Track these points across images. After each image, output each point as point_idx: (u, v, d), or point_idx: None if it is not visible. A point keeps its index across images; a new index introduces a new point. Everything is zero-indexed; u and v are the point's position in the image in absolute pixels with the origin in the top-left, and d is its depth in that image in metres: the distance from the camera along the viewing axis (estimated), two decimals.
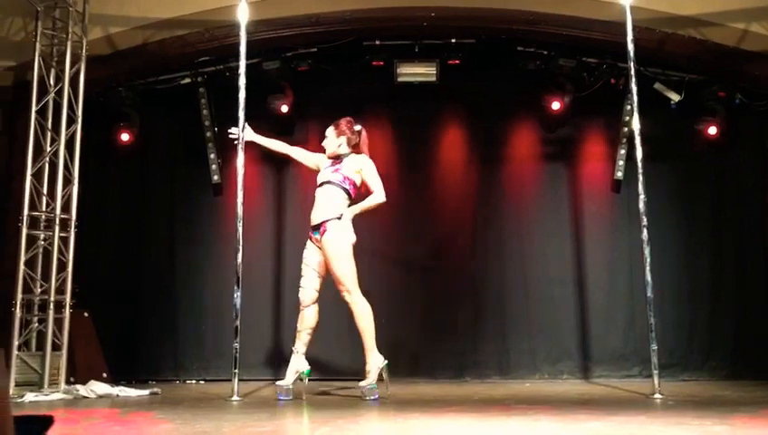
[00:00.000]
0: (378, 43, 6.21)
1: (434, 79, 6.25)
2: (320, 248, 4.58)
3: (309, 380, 4.64)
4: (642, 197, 4.73)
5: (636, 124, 4.86)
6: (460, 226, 6.50)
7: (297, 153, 4.97)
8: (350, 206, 4.62)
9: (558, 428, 3.21)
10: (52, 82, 5.37)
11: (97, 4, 5.57)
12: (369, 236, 6.15)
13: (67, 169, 5.32)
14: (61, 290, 5.20)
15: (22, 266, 5.10)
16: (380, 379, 4.50)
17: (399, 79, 6.27)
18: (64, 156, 5.29)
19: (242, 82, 4.82)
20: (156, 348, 6.29)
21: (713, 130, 6.29)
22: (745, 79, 6.04)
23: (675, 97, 6.22)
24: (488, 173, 6.58)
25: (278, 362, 6.02)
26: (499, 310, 6.33)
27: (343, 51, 6.20)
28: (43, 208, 5.30)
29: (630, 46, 4.87)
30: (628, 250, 6.21)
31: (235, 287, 4.64)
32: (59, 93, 5.34)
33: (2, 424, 0.85)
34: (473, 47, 6.25)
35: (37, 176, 5.29)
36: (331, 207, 4.58)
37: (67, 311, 5.19)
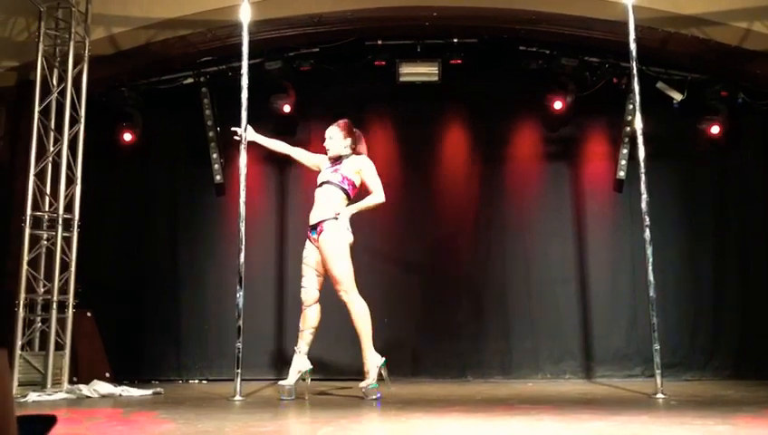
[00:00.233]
0: (380, 42, 6.21)
1: (436, 79, 6.25)
2: (318, 248, 4.59)
3: (311, 379, 4.65)
4: (644, 196, 4.72)
5: (638, 123, 4.86)
6: (462, 225, 6.50)
7: (298, 154, 4.98)
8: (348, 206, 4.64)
9: (561, 427, 3.21)
10: (54, 82, 5.38)
11: (100, 4, 5.58)
12: (372, 236, 6.18)
13: (70, 168, 5.33)
14: (64, 290, 5.20)
15: (25, 266, 5.12)
16: (380, 378, 4.50)
17: (401, 79, 6.27)
18: (67, 156, 5.30)
19: (244, 82, 4.82)
20: (158, 348, 6.30)
21: (715, 130, 6.28)
22: (748, 78, 6.03)
23: (677, 96, 6.21)
24: (490, 173, 6.57)
25: (280, 361, 6.03)
26: (501, 309, 6.33)
27: (345, 51, 6.20)
28: (46, 208, 5.31)
29: (633, 45, 4.86)
30: (630, 250, 6.20)
31: (238, 287, 4.64)
32: (62, 93, 5.35)
33: (5, 424, 0.85)
34: (475, 47, 6.24)
35: (40, 176, 5.30)
36: (329, 207, 4.59)
37: (70, 311, 5.19)
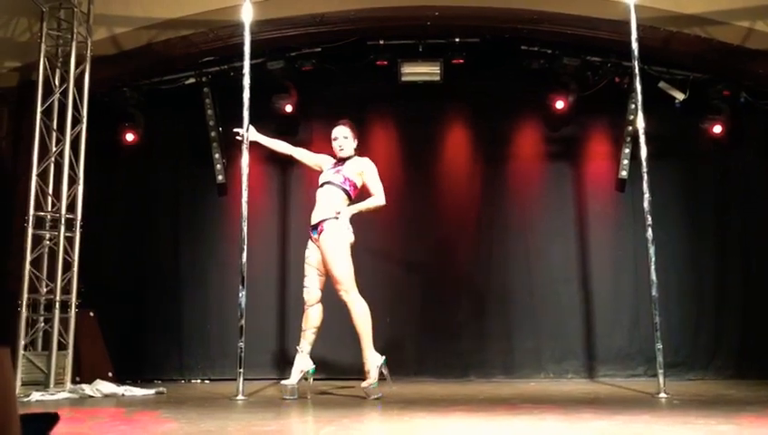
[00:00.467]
0: (381, 42, 6.21)
1: (438, 78, 6.25)
2: (319, 247, 4.59)
3: (314, 379, 4.65)
4: (647, 196, 4.72)
5: (640, 123, 4.85)
6: (464, 225, 6.50)
7: (300, 154, 4.98)
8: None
9: (563, 427, 3.20)
10: (57, 82, 5.39)
11: (101, 4, 5.59)
12: (374, 236, 6.18)
13: (72, 169, 5.34)
14: (66, 290, 5.21)
15: (27, 266, 5.12)
16: (382, 377, 4.50)
17: (403, 78, 6.27)
18: (69, 156, 5.31)
19: (246, 81, 4.83)
20: (161, 347, 6.31)
21: (718, 129, 6.27)
22: (750, 77, 6.02)
23: (679, 96, 6.20)
24: (492, 172, 6.57)
25: (283, 361, 6.03)
26: (504, 309, 6.33)
27: (347, 50, 6.20)
28: (49, 208, 5.31)
29: (635, 45, 4.86)
30: (632, 249, 6.20)
31: (240, 287, 4.64)
32: (64, 94, 5.36)
33: (8, 422, 0.86)
34: (477, 46, 6.24)
35: (42, 176, 5.31)
36: (330, 207, 4.60)
37: (73, 310, 5.20)
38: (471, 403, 4.26)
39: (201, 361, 6.31)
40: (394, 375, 4.66)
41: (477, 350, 6.24)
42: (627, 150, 6.32)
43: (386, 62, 6.28)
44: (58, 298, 5.14)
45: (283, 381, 4.65)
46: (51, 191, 5.33)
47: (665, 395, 4.43)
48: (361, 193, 4.76)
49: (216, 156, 6.47)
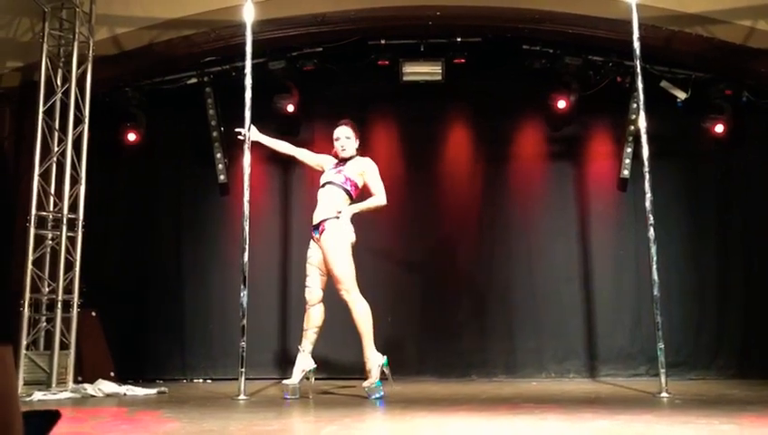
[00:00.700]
0: (383, 42, 6.21)
1: (439, 78, 6.25)
2: (320, 247, 4.60)
3: (315, 378, 4.65)
4: (648, 195, 4.71)
5: (642, 122, 4.85)
6: (466, 224, 6.50)
7: (302, 154, 4.99)
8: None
9: (565, 426, 3.20)
10: (59, 82, 5.40)
11: (103, 4, 5.59)
12: (375, 235, 6.18)
13: (74, 169, 5.34)
14: (68, 289, 5.22)
15: (30, 266, 5.14)
16: (383, 377, 4.50)
17: (405, 78, 6.27)
18: (71, 156, 5.32)
19: (248, 81, 4.83)
20: (163, 347, 6.31)
21: (719, 128, 6.26)
22: (752, 76, 6.01)
23: (681, 95, 6.19)
24: (494, 172, 6.57)
25: (284, 360, 6.04)
26: (505, 309, 6.33)
27: (349, 50, 6.20)
28: (51, 208, 5.33)
29: (636, 44, 4.85)
30: (634, 248, 6.19)
31: (242, 286, 4.65)
32: (66, 94, 5.36)
33: (11, 420, 0.86)
34: (478, 46, 6.24)
35: (45, 176, 5.32)
36: (331, 207, 4.61)
37: (75, 310, 5.21)
38: (472, 403, 4.27)
39: (203, 360, 6.32)
40: (395, 375, 4.67)
41: (479, 349, 6.24)
42: (628, 150, 6.32)
43: (387, 62, 6.28)
44: (60, 298, 5.15)
45: (284, 381, 4.66)
46: (53, 191, 5.34)
47: (666, 395, 4.42)
48: (363, 193, 4.76)
49: (218, 156, 6.47)
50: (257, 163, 5.84)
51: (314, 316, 4.59)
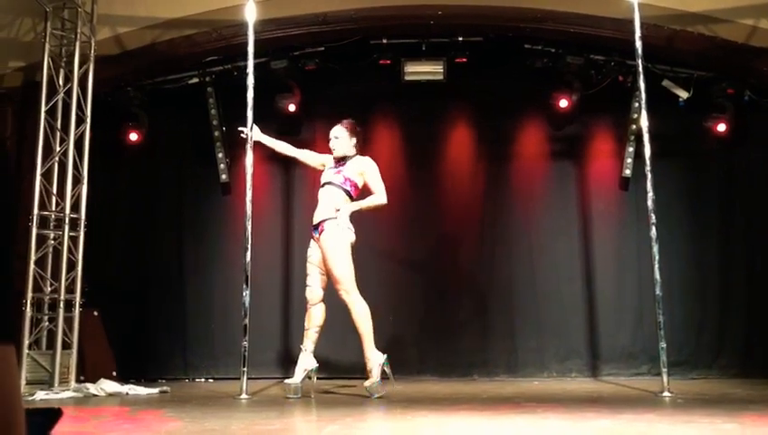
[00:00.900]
0: (385, 41, 6.21)
1: (441, 77, 6.25)
2: (320, 247, 4.60)
3: (317, 378, 4.65)
4: (650, 194, 4.71)
5: (644, 121, 4.84)
6: (468, 224, 6.49)
7: (303, 155, 4.98)
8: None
9: (567, 426, 3.20)
10: (61, 82, 5.40)
11: (105, 4, 5.60)
12: (377, 235, 6.18)
13: (76, 168, 5.35)
14: (70, 289, 5.23)
15: (32, 266, 5.14)
16: (384, 376, 4.50)
17: (406, 77, 6.27)
18: (73, 156, 5.32)
19: (250, 81, 4.83)
20: (165, 346, 6.32)
21: (722, 127, 6.25)
22: (755, 75, 6.00)
23: (683, 94, 6.18)
24: (496, 171, 6.57)
25: (287, 360, 6.04)
26: (507, 308, 6.33)
27: (350, 50, 6.20)
28: (53, 208, 5.33)
29: (638, 43, 4.85)
30: (636, 248, 6.19)
31: (244, 286, 4.65)
32: (68, 93, 5.37)
33: (13, 420, 0.86)
34: (480, 45, 6.24)
35: (47, 175, 5.33)
36: (330, 207, 4.61)
37: (77, 310, 5.22)
38: (474, 402, 4.27)
39: (205, 360, 6.32)
40: (397, 374, 4.67)
41: (480, 349, 6.24)
42: (630, 149, 6.31)
43: (389, 62, 6.28)
44: (62, 297, 5.16)
45: (286, 380, 4.66)
46: (55, 191, 5.35)
47: (669, 394, 4.42)
48: (364, 193, 4.76)
49: (220, 155, 6.47)
50: (259, 163, 5.83)
51: (315, 316, 4.59)
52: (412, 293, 6.36)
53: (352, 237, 4.57)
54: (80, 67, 5.36)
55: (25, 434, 0.88)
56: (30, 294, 5.10)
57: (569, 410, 3.76)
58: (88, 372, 5.34)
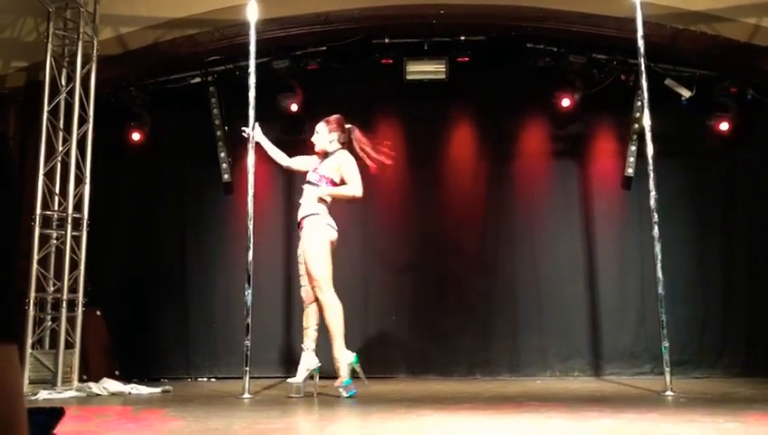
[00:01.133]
0: (387, 41, 6.21)
1: (443, 76, 6.25)
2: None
3: (320, 377, 4.65)
4: (653, 193, 4.70)
5: (646, 121, 4.83)
6: (470, 223, 6.49)
7: (296, 163, 4.94)
8: (328, 206, 4.63)
9: (569, 425, 3.20)
10: (63, 82, 5.41)
11: (108, 4, 5.60)
12: (378, 234, 6.19)
13: (79, 168, 5.36)
14: (73, 289, 5.24)
15: (35, 265, 5.15)
16: (355, 375, 4.47)
17: (409, 77, 6.27)
18: (76, 155, 5.33)
19: (252, 80, 4.83)
20: (167, 346, 6.33)
21: (724, 127, 6.24)
22: (757, 74, 5.99)
23: (686, 93, 6.17)
24: (498, 170, 6.56)
25: (289, 359, 6.04)
26: (510, 307, 6.32)
27: (352, 49, 6.20)
28: (56, 208, 5.34)
29: (641, 42, 4.84)
30: (638, 247, 6.18)
31: (246, 285, 4.65)
32: (70, 93, 5.38)
33: (16, 420, 0.86)
34: (482, 44, 6.23)
35: (49, 175, 5.33)
36: (309, 205, 4.61)
37: (80, 309, 5.22)
38: (477, 401, 4.26)
39: (207, 359, 6.33)
40: (399, 374, 4.67)
41: (483, 348, 6.24)
42: (633, 148, 6.30)
43: (391, 61, 6.28)
44: (65, 297, 5.17)
45: (289, 380, 4.65)
46: (57, 190, 5.35)
47: (671, 393, 4.42)
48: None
49: (222, 155, 6.48)
50: (261, 162, 5.82)
51: (312, 314, 4.58)
52: (414, 292, 6.36)
53: (333, 235, 4.55)
54: (82, 67, 5.37)
55: (28, 434, 0.88)
56: (33, 294, 5.11)
57: (571, 409, 3.76)
58: (91, 372, 5.35)
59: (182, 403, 4.31)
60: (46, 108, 5.29)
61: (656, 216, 4.68)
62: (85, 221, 5.34)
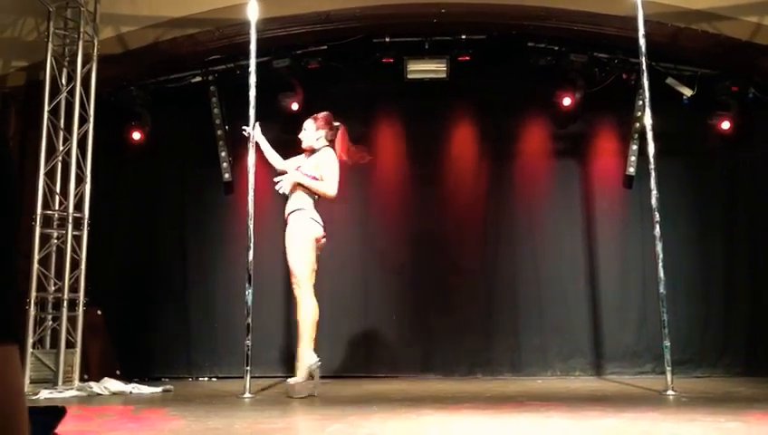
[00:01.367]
0: (387, 40, 6.20)
1: (444, 75, 6.24)
2: None
3: (320, 376, 4.64)
4: (654, 192, 4.70)
5: (648, 120, 4.83)
6: (471, 223, 6.49)
7: (289, 166, 4.92)
8: (315, 202, 4.60)
9: (570, 424, 3.20)
10: (64, 81, 5.40)
11: (108, 3, 5.60)
12: (379, 233, 6.18)
13: (79, 167, 5.35)
14: (74, 288, 5.23)
15: (36, 265, 5.14)
16: (311, 377, 4.43)
17: (409, 76, 6.26)
18: (77, 155, 5.33)
19: (252, 80, 4.83)
20: (168, 345, 6.32)
21: (726, 125, 6.24)
22: (759, 73, 5.98)
23: (687, 92, 6.17)
24: (499, 170, 6.56)
25: (290, 358, 6.02)
26: (510, 306, 6.32)
27: (353, 48, 6.19)
28: (56, 207, 5.34)
29: (642, 41, 4.84)
30: (640, 246, 6.17)
31: (247, 285, 4.65)
32: (71, 93, 5.37)
33: (18, 420, 0.86)
34: (483, 43, 6.23)
35: (50, 175, 5.33)
36: (293, 202, 4.61)
37: (80, 309, 5.22)
38: (477, 401, 4.26)
39: (208, 358, 6.32)
40: (400, 373, 4.65)
41: (484, 347, 6.23)
42: (634, 147, 6.29)
43: (392, 60, 6.27)
44: (66, 296, 5.17)
45: (289, 379, 4.65)
46: (58, 190, 5.35)
47: (673, 392, 4.42)
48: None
49: (223, 154, 6.47)
50: (262, 162, 5.83)
51: None
52: (415, 291, 6.35)
53: (317, 231, 4.53)
54: (83, 66, 5.37)
55: (29, 433, 0.88)
56: (34, 294, 5.11)
57: (572, 408, 3.75)
58: (92, 371, 5.35)
59: (183, 403, 4.30)
60: (47, 107, 5.29)
61: (657, 215, 4.68)
62: (86, 221, 5.34)
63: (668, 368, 4.54)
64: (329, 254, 5.52)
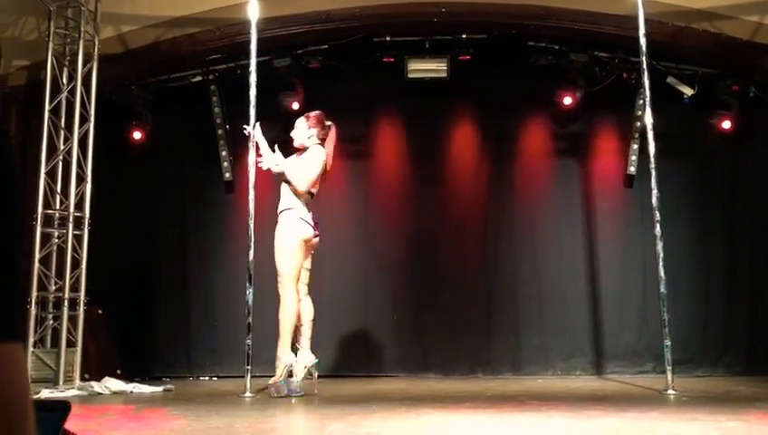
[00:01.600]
0: (388, 39, 6.20)
1: (444, 75, 6.24)
2: None
3: (321, 376, 4.64)
4: (655, 192, 4.70)
5: (648, 119, 4.83)
6: (471, 222, 6.49)
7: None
8: (304, 202, 4.57)
9: (571, 424, 3.20)
10: (64, 81, 5.40)
11: (109, 2, 5.60)
12: (379, 234, 6.18)
13: (80, 167, 5.35)
14: (75, 287, 5.24)
15: (36, 264, 5.15)
16: (290, 376, 4.43)
17: (410, 75, 6.26)
18: (77, 154, 5.33)
19: (253, 79, 4.83)
20: (169, 344, 6.33)
21: (727, 125, 6.23)
22: (760, 72, 5.98)
23: (688, 91, 6.17)
24: (499, 169, 6.56)
25: None
26: (511, 306, 6.32)
27: (354, 47, 6.19)
28: (57, 207, 5.34)
29: (643, 40, 4.83)
30: (640, 245, 6.17)
31: (247, 284, 4.66)
32: (72, 92, 5.37)
33: (23, 419, 0.86)
34: (483, 43, 6.23)
35: (51, 174, 5.33)
36: (283, 201, 4.60)
37: (81, 308, 5.22)
38: (478, 400, 4.26)
39: (209, 358, 6.33)
40: (401, 373, 4.66)
41: (484, 347, 6.23)
42: (635, 146, 6.29)
43: (392, 59, 6.27)
44: (67, 296, 5.17)
45: (289, 379, 4.65)
46: (59, 189, 5.35)
47: (673, 392, 4.42)
48: (317, 184, 4.65)
49: (223, 153, 6.48)
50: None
51: (304, 311, 4.57)
52: (415, 291, 6.35)
53: (305, 232, 4.49)
54: (83, 66, 5.37)
55: (36, 432, 0.88)
56: (34, 293, 5.11)
57: (573, 408, 3.76)
58: (92, 371, 5.34)
59: (184, 402, 4.31)
60: (47, 107, 5.29)
61: (658, 214, 4.68)
62: (87, 220, 5.34)
63: (669, 367, 4.54)
64: (329, 254, 5.53)
